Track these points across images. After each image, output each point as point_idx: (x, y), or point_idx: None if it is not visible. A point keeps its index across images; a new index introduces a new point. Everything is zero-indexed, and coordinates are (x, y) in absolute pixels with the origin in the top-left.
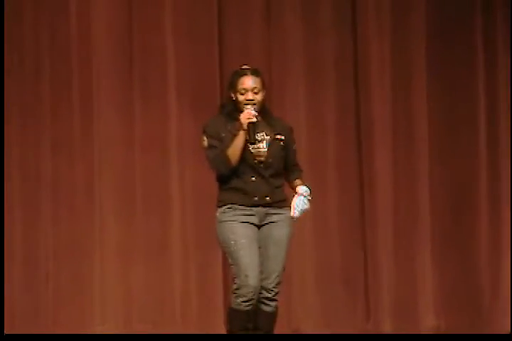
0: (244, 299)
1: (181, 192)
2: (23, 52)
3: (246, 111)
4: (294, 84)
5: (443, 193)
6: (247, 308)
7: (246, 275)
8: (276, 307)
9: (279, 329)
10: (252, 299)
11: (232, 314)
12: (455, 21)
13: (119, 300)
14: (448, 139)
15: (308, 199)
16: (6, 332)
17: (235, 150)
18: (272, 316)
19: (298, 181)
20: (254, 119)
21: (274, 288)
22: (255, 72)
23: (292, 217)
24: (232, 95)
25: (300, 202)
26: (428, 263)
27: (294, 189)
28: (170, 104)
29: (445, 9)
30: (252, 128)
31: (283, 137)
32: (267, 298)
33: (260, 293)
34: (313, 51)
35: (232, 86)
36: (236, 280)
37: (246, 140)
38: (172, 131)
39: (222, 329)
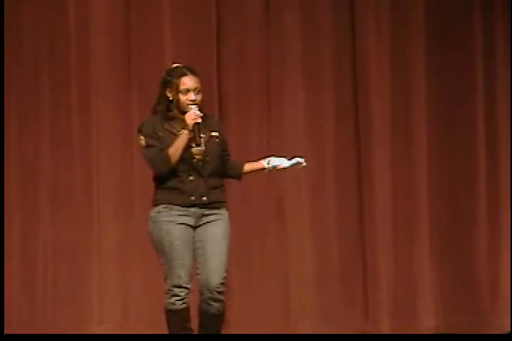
0: (178, 298)
1: None
2: (21, 52)
3: (191, 111)
4: (293, 84)
5: (441, 193)
6: (183, 306)
7: (178, 277)
8: (222, 307)
9: (277, 328)
10: (186, 298)
11: (170, 315)
12: (454, 21)
13: (117, 301)
14: (447, 139)
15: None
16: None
17: (176, 149)
18: (217, 317)
19: (249, 163)
20: (200, 120)
21: (217, 287)
22: (194, 72)
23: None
24: (169, 94)
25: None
26: (427, 263)
27: (252, 170)
28: None
29: (444, 8)
30: (197, 129)
31: (217, 133)
32: (211, 298)
33: (202, 294)
34: (311, 51)
35: (171, 85)
36: (167, 281)
37: (190, 140)
38: None
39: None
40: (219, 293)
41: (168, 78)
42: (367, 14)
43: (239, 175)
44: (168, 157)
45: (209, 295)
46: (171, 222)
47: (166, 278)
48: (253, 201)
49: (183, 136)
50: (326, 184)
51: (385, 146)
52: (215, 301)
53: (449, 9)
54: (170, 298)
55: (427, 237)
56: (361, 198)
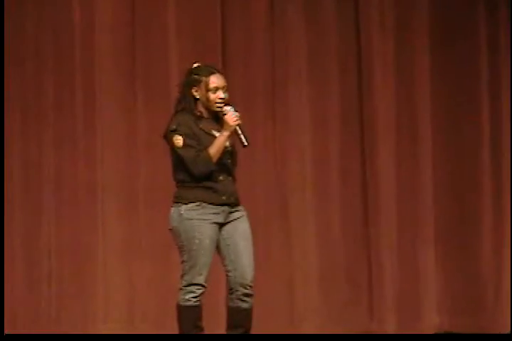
0: (194, 295)
1: None
2: (25, 49)
3: (229, 113)
4: (297, 83)
5: (446, 191)
6: (197, 303)
7: (200, 274)
8: (252, 303)
9: (282, 327)
10: (201, 295)
11: (182, 311)
12: (458, 19)
13: (122, 299)
14: (451, 138)
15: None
16: (7, 331)
17: (217, 151)
18: (250, 312)
19: None
20: (240, 121)
21: (251, 282)
22: (220, 71)
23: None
24: (196, 93)
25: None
26: (431, 262)
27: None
28: (173, 100)
29: (448, 7)
30: (242, 130)
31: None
32: (245, 294)
33: (236, 290)
34: (316, 48)
35: (199, 84)
36: (186, 278)
37: (241, 142)
38: None
39: (223, 330)
40: (252, 288)
41: (195, 77)
42: (371, 11)
43: None
44: (210, 158)
45: (243, 290)
46: (204, 220)
47: (183, 275)
48: (257, 200)
49: (224, 138)
50: (331, 182)
51: (389, 144)
52: (249, 296)
53: (454, 6)
54: (185, 294)
55: (432, 236)
56: (366, 196)
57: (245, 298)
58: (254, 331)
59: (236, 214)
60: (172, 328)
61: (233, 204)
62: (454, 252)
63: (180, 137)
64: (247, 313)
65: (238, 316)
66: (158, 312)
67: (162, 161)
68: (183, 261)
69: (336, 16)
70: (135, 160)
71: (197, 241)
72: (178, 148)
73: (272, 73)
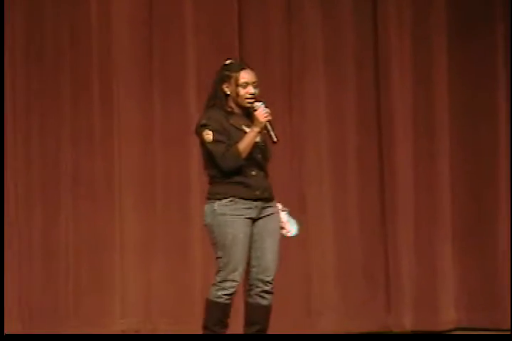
0: (227, 292)
1: (201, 185)
2: (43, 44)
3: (259, 109)
4: (314, 78)
5: (464, 186)
6: (228, 301)
7: (235, 270)
8: (271, 300)
9: (298, 324)
10: (234, 293)
11: (211, 306)
12: (476, 14)
13: (140, 295)
14: (469, 131)
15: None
16: (26, 327)
17: (247, 146)
18: (269, 310)
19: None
20: (271, 117)
21: (272, 280)
22: (250, 67)
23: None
24: (227, 89)
25: (292, 220)
26: (449, 257)
27: None
28: (190, 96)
29: (466, 3)
30: (271, 126)
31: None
32: (265, 291)
33: (256, 287)
34: (333, 44)
35: (229, 80)
36: (221, 274)
37: (270, 138)
38: (192, 124)
39: (240, 325)
40: (272, 285)
41: (226, 73)
42: (388, 7)
43: None
44: (239, 153)
45: (264, 287)
46: (237, 215)
47: (218, 271)
48: (274, 194)
49: (254, 134)
50: (348, 177)
51: (407, 139)
52: (269, 293)
53: (471, 3)
54: (217, 290)
55: (449, 232)
56: (383, 191)
57: (265, 295)
58: (271, 327)
59: (269, 210)
60: (189, 323)
61: (267, 199)
62: (471, 248)
63: (210, 132)
64: (266, 310)
65: (256, 313)
66: (175, 307)
67: (179, 156)
68: (217, 257)
69: (353, 12)
70: (152, 156)
71: (230, 236)
72: (208, 142)
73: (288, 68)
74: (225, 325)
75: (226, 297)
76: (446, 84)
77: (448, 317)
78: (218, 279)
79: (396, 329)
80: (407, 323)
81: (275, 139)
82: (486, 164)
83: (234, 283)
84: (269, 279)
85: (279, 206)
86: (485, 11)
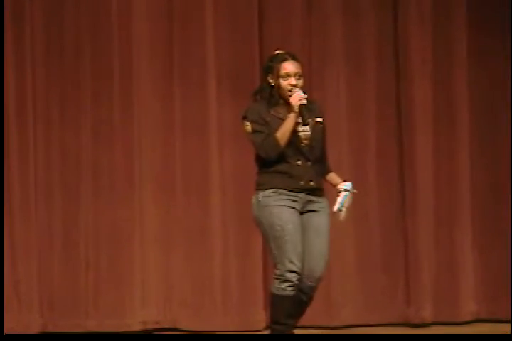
0: (290, 284)
1: (221, 177)
2: (64, 38)
3: (295, 93)
4: (334, 71)
5: (484, 180)
6: (292, 293)
7: (291, 262)
8: (312, 296)
9: (319, 317)
10: (296, 284)
11: (277, 300)
12: (496, 8)
13: (160, 286)
14: (489, 126)
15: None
16: (45, 319)
17: (284, 133)
18: (306, 306)
19: (334, 175)
20: (305, 101)
21: (318, 278)
22: (295, 57)
23: (334, 212)
24: (271, 80)
25: (347, 198)
26: (469, 250)
27: (330, 182)
28: (210, 88)
29: None
30: (305, 109)
31: (322, 119)
32: (309, 287)
33: (300, 282)
34: (353, 38)
35: (272, 71)
36: (279, 266)
37: (297, 122)
38: (212, 115)
39: (262, 315)
40: (317, 283)
41: (270, 64)
42: (409, 0)
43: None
44: (277, 141)
45: (309, 283)
46: (282, 205)
47: (276, 264)
48: None
49: (290, 119)
50: (368, 171)
51: (427, 133)
52: (312, 290)
53: None
54: (281, 283)
55: (469, 224)
56: (403, 185)
57: (308, 291)
58: None
59: (315, 206)
60: (209, 313)
61: (313, 190)
62: (490, 239)
63: (248, 123)
64: (304, 305)
65: (294, 306)
66: (195, 298)
67: (199, 147)
68: (271, 250)
69: (373, 3)
70: (172, 148)
71: (278, 227)
72: (249, 133)
73: (308, 61)
74: (297, 316)
75: (290, 288)
76: (466, 80)
77: (467, 309)
78: (278, 272)
79: (416, 321)
80: (427, 315)
81: (306, 123)
82: (506, 155)
83: (294, 273)
84: (316, 276)
85: (341, 185)
86: (505, 4)
